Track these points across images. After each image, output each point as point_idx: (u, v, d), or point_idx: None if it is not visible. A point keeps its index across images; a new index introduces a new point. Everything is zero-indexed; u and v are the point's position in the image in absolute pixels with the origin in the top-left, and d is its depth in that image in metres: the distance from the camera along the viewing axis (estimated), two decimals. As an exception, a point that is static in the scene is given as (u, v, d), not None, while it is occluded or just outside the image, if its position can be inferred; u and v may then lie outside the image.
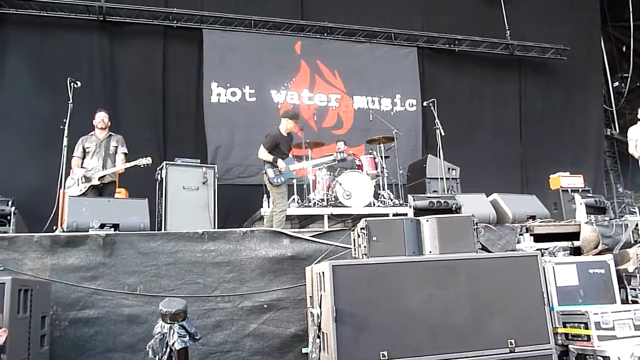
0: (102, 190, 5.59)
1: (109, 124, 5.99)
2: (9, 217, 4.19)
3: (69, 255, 3.89)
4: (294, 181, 7.09)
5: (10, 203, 4.26)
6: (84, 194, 5.34)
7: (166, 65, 8.91)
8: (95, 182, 5.48)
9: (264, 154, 6.02)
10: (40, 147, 7.02)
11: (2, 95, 7.96)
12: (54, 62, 8.13)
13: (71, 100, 4.99)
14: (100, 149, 5.77)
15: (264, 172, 6.04)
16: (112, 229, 4.18)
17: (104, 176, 5.58)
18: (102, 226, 4.17)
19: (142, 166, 5.58)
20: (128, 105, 8.51)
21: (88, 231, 4.08)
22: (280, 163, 5.96)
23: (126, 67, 8.72)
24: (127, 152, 5.89)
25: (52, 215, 4.69)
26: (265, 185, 6.16)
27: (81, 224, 4.20)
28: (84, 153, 5.75)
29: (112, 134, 5.97)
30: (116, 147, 5.86)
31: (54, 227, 4.43)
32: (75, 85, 5.11)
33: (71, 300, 3.80)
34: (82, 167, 5.63)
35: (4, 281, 2.85)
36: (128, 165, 5.64)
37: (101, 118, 5.88)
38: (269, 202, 6.59)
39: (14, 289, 2.86)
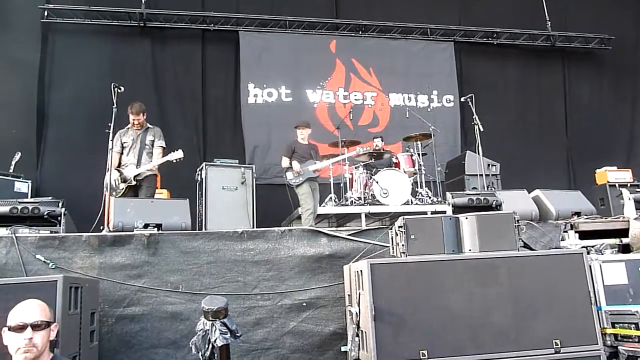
0: (139, 186, 5.57)
1: (145, 117, 5.87)
2: (59, 218, 4.36)
3: (115, 254, 4.03)
4: (331, 180, 7.11)
5: (60, 204, 4.44)
6: (123, 195, 5.40)
7: (204, 68, 9.13)
8: (132, 182, 5.49)
9: (284, 162, 6.68)
10: (88, 150, 7.30)
11: (51, 101, 8.36)
12: (99, 67, 8.47)
13: (115, 105, 5.15)
14: (136, 143, 5.70)
15: (284, 176, 6.61)
16: (156, 228, 4.31)
17: (139, 174, 5.56)
18: (146, 226, 4.29)
19: (174, 161, 5.56)
20: (169, 108, 8.77)
21: (133, 231, 4.22)
22: (295, 165, 6.51)
23: (166, 70, 8.99)
24: (164, 145, 5.80)
25: (99, 216, 4.86)
26: (290, 190, 6.63)
27: (126, 224, 4.34)
28: (122, 148, 5.69)
29: (150, 126, 5.89)
30: (152, 140, 5.78)
31: (101, 227, 4.60)
32: (119, 90, 5.24)
33: (118, 298, 3.94)
34: (119, 164, 5.60)
35: (56, 279, 2.98)
36: (160, 161, 5.61)
37: (136, 119, 5.72)
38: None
39: (65, 286, 2.99)
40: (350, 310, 3.59)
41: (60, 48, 8.63)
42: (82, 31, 8.72)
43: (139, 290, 3.98)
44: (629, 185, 7.33)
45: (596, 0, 11.03)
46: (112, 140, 5.20)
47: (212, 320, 3.10)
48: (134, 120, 5.69)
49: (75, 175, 7.47)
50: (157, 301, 3.99)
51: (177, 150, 5.60)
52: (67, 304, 2.99)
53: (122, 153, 5.67)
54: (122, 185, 5.49)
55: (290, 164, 6.54)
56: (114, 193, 5.33)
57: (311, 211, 6.26)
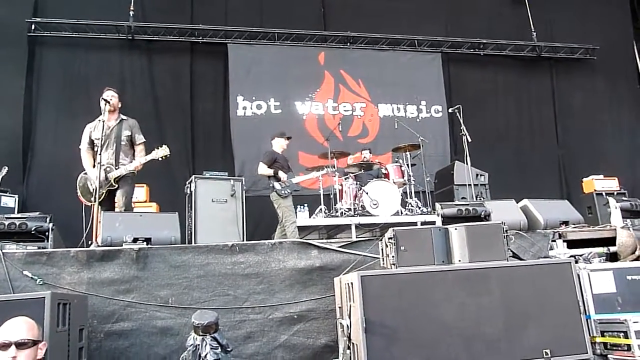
0: (118, 188, 5.00)
1: (119, 105, 5.25)
2: (47, 233, 4.32)
3: (104, 269, 3.98)
4: (321, 192, 7.13)
5: (48, 219, 4.39)
6: (101, 201, 4.87)
7: (193, 80, 9.15)
8: (112, 185, 4.96)
9: (264, 169, 6.50)
10: (75, 164, 7.25)
11: (38, 115, 8.30)
12: (87, 81, 8.46)
13: (104, 119, 5.09)
14: (110, 139, 5.06)
15: (271, 185, 6.43)
16: (145, 242, 4.27)
17: (119, 175, 4.98)
18: (135, 240, 4.25)
19: (159, 159, 5.03)
20: (158, 121, 8.73)
21: (122, 245, 4.18)
22: (282, 174, 6.42)
23: (155, 83, 9.00)
24: (145, 140, 5.23)
25: (87, 230, 4.81)
26: (273, 201, 6.47)
27: (115, 238, 4.29)
28: (92, 144, 5.07)
29: (124, 117, 5.24)
30: (129, 135, 5.16)
31: (89, 242, 4.55)
32: (107, 103, 5.16)
33: (107, 313, 3.89)
34: (94, 163, 4.97)
35: (44, 296, 2.94)
36: (144, 160, 5.04)
37: (109, 97, 5.05)
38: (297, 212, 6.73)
39: (53, 303, 2.95)
40: (341, 323, 3.58)
41: (47, 62, 8.61)
42: (70, 44, 8.70)
43: (128, 305, 3.93)
44: (615, 193, 7.46)
45: (581, 11, 11.26)
46: (100, 154, 4.82)
47: (202, 335, 3.10)
48: (110, 98, 5.06)
49: (62, 189, 7.39)
50: (146, 316, 3.94)
51: (162, 146, 5.05)
52: (55, 320, 2.94)
53: (93, 150, 5.03)
54: (102, 191, 4.90)
55: (276, 172, 6.45)
56: (90, 198, 4.86)
57: (296, 223, 6.28)
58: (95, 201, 4.71)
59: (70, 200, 5.52)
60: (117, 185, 5.03)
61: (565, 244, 4.73)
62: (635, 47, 11.85)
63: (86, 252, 4.01)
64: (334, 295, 4.12)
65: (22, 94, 8.17)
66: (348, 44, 9.93)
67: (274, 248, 4.33)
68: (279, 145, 6.83)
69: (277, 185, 6.38)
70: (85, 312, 3.68)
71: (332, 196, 7.50)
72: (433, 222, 6.05)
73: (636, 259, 4.47)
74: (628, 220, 5.61)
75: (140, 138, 5.24)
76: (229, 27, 9.28)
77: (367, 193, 6.78)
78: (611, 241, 4.80)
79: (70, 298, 3.29)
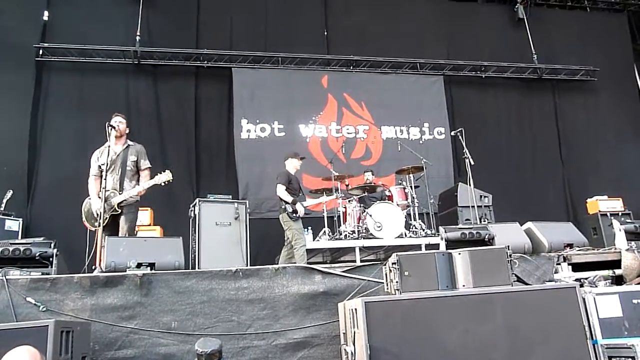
0: (120, 214, 5.00)
1: (127, 131, 5.30)
2: (51, 259, 4.33)
3: (107, 295, 3.98)
4: (324, 214, 7.14)
5: (52, 245, 4.40)
6: (105, 227, 4.80)
7: (198, 104, 9.25)
8: (115, 210, 4.95)
9: (283, 193, 6.39)
10: (80, 188, 7.30)
11: (44, 139, 8.39)
12: (93, 105, 8.55)
13: (110, 144, 5.13)
14: (116, 164, 5.08)
15: (282, 207, 6.36)
16: (149, 268, 4.27)
17: (123, 200, 4.98)
18: (139, 265, 4.26)
19: (163, 184, 5.03)
20: (162, 144, 8.81)
21: (125, 271, 4.18)
22: (299, 207, 6.34)
23: (160, 106, 9.09)
24: (150, 165, 5.24)
25: (90, 255, 4.82)
26: (282, 222, 6.44)
27: (119, 263, 4.30)
28: (100, 170, 5.07)
29: (131, 143, 5.28)
30: (135, 161, 5.18)
31: (93, 267, 4.55)
32: (113, 129, 5.20)
33: (109, 340, 3.87)
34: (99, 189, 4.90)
35: (47, 324, 2.93)
36: (147, 185, 5.03)
37: (116, 124, 5.11)
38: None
39: (57, 331, 2.95)
40: (345, 349, 3.55)
41: (54, 86, 8.73)
42: (76, 69, 8.84)
43: (131, 331, 3.92)
44: (620, 214, 7.43)
45: (582, 30, 11.40)
46: (105, 179, 4.88)
47: (205, 364, 3.07)
48: (118, 124, 5.12)
49: (66, 213, 7.42)
50: (149, 343, 3.92)
51: (164, 171, 5.07)
52: (58, 349, 2.93)
53: (101, 176, 4.99)
54: (106, 216, 4.85)
55: (294, 202, 6.38)
56: (95, 224, 4.88)
57: (305, 247, 6.24)
58: (99, 226, 4.71)
59: (74, 225, 5.54)
60: (120, 211, 5.02)
61: (570, 267, 4.71)
62: (635, 67, 11.95)
63: (90, 278, 4.01)
64: (338, 320, 4.09)
65: (28, 117, 8.27)
66: (351, 67, 10.04)
67: (277, 273, 4.32)
68: (292, 165, 6.79)
69: (289, 208, 6.31)
70: (88, 339, 3.67)
71: (335, 218, 7.49)
72: (437, 244, 6.03)
73: (642, 283, 4.43)
74: (633, 242, 5.57)
75: (145, 164, 5.26)
76: (233, 52, 9.41)
77: (370, 215, 6.78)
78: (616, 264, 4.78)
79: (73, 325, 3.29)
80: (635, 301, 3.94)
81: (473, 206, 6.84)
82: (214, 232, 6.07)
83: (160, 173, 5.07)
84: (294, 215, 6.27)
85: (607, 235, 7.10)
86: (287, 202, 6.32)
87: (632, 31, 12.15)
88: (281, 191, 6.43)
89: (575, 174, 10.53)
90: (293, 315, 4.21)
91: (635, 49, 12.21)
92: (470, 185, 6.72)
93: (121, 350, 3.86)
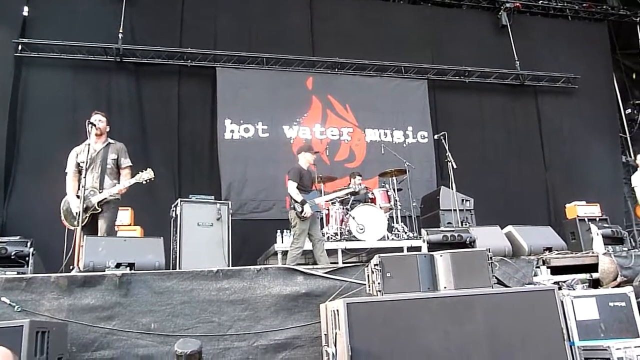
0: (99, 213, 4.93)
1: (107, 128, 5.24)
2: (27, 258, 4.25)
3: (85, 296, 3.90)
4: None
5: (29, 244, 4.32)
6: (84, 226, 4.77)
7: (181, 103, 9.14)
8: (95, 208, 4.87)
9: (294, 191, 6.15)
10: (58, 186, 7.18)
11: (23, 137, 8.21)
12: (74, 103, 8.40)
13: (90, 142, 5.05)
14: (95, 162, 5.01)
15: (292, 207, 6.15)
16: (128, 268, 4.21)
17: (103, 199, 4.90)
18: (118, 265, 4.20)
19: (144, 182, 4.99)
20: (144, 143, 8.69)
21: (104, 271, 4.11)
22: (307, 209, 6.06)
23: (143, 105, 8.96)
24: (131, 164, 5.17)
25: (68, 255, 4.73)
26: (290, 219, 6.25)
27: (98, 263, 4.23)
28: (78, 168, 4.99)
29: (111, 142, 5.21)
30: (116, 159, 5.11)
31: (71, 267, 4.47)
32: (93, 127, 5.12)
33: (87, 341, 3.80)
34: (78, 187, 4.89)
35: (22, 324, 2.88)
36: (128, 183, 4.98)
37: (97, 121, 5.04)
38: (283, 236, 6.70)
39: (32, 331, 2.89)
40: (326, 351, 3.54)
41: (33, 82, 8.54)
42: (57, 65, 8.66)
43: (109, 332, 3.85)
44: (597, 219, 7.57)
45: (564, 39, 11.61)
46: (85, 177, 4.78)
47: (185, 365, 3.03)
48: (98, 122, 5.06)
49: (45, 212, 7.28)
50: (127, 344, 3.85)
51: (146, 169, 5.03)
52: (32, 350, 2.88)
53: (80, 174, 4.93)
54: (85, 215, 4.81)
55: (303, 203, 6.12)
56: (74, 222, 4.78)
57: (302, 249, 6.12)
58: (78, 225, 4.63)
59: (53, 224, 5.44)
60: (100, 209, 4.95)
61: (548, 270, 4.78)
62: (614, 76, 12.22)
63: (67, 278, 3.93)
64: (320, 322, 4.08)
65: (6, 114, 8.07)
66: (336, 70, 10.05)
67: (259, 274, 4.30)
68: (305, 160, 6.52)
69: (297, 207, 6.10)
70: (64, 340, 3.60)
71: (318, 220, 7.48)
72: (419, 247, 6.07)
73: (618, 286, 4.52)
74: (609, 246, 5.69)
75: (126, 162, 5.19)
76: (217, 51, 9.34)
77: (353, 218, 6.79)
78: (593, 267, 4.87)
79: (49, 326, 3.22)
80: (611, 304, 4.03)
81: (455, 209, 6.89)
82: (195, 233, 6.01)
83: (142, 171, 5.01)
84: (302, 216, 6.07)
85: (585, 240, 7.21)
86: (296, 202, 6.11)
87: (612, 41, 12.43)
88: (292, 189, 6.18)
89: (558, 179, 10.69)
90: (274, 316, 4.19)
91: (615, 58, 12.49)
92: (452, 188, 6.78)
93: (99, 351, 3.79)
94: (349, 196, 7.16)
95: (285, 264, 5.87)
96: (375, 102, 10.13)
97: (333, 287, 4.33)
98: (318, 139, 9.59)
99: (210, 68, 9.35)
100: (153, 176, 5.02)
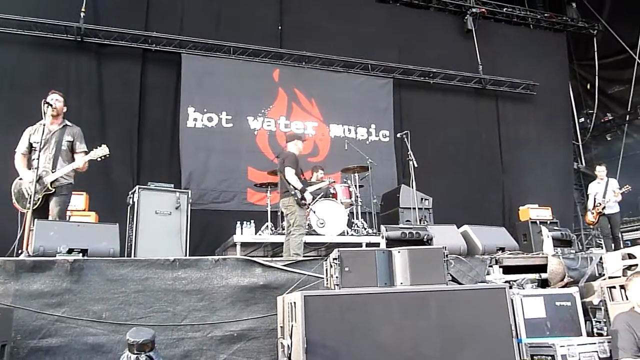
0: (53, 195, 4.72)
1: (64, 109, 5.02)
2: (-28, 241, 4.05)
3: (33, 281, 3.76)
4: (268, 208, 7.11)
5: (-26, 226, 4.12)
6: (37, 208, 4.56)
7: (144, 88, 8.91)
8: (49, 188, 4.66)
9: (293, 178, 6.03)
10: (11, 169, 6.87)
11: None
12: (30, 81, 8.02)
13: (46, 122, 4.84)
14: (50, 143, 4.81)
15: (292, 193, 5.98)
16: (80, 254, 4.08)
17: (56, 179, 4.72)
18: (70, 251, 4.06)
19: (98, 159, 4.82)
20: (103, 127, 8.42)
21: (55, 256, 3.97)
22: (308, 195, 6.03)
23: (104, 87, 8.69)
24: (87, 150, 4.95)
25: (17, 238, 4.53)
26: (284, 207, 6.13)
27: (48, 248, 4.07)
28: (31, 148, 4.79)
29: (69, 124, 5.01)
30: (71, 142, 4.93)
31: (19, 251, 4.29)
32: (49, 107, 4.91)
33: (33, 328, 3.66)
34: (29, 168, 4.70)
35: (-36, 308, 2.75)
36: (81, 162, 4.78)
37: (53, 101, 4.83)
38: (243, 228, 6.65)
39: (-26, 316, 2.76)
40: (282, 343, 3.55)
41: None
42: (14, 42, 8.27)
43: (57, 320, 3.72)
44: (548, 222, 7.87)
45: (524, 47, 11.99)
46: (38, 159, 4.58)
47: (137, 354, 2.98)
48: (55, 102, 4.85)
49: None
50: (77, 332, 3.74)
51: (100, 145, 4.84)
52: (-26, 335, 2.75)
53: (30, 154, 4.76)
54: (38, 196, 4.58)
55: (303, 190, 6.03)
56: (27, 205, 4.49)
57: (304, 237, 6.02)
58: (29, 208, 4.44)
59: (3, 207, 5.19)
60: (54, 190, 4.74)
61: (501, 269, 4.94)
62: (570, 85, 12.73)
63: (15, 262, 3.77)
64: (276, 314, 4.08)
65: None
66: (303, 63, 10.03)
67: (217, 264, 4.25)
68: (296, 148, 6.42)
69: (298, 194, 5.96)
70: (9, 326, 3.45)
71: (279, 213, 7.46)
72: (378, 244, 6.15)
73: (564, 286, 4.72)
74: (558, 248, 5.93)
75: (82, 147, 4.99)
76: (183, 37, 9.15)
77: (314, 212, 6.80)
78: (543, 268, 5.07)
79: (-7, 311, 3.09)
80: (557, 303, 4.22)
81: (414, 208, 7.03)
82: (153, 221, 5.89)
83: (96, 148, 4.84)
84: (303, 202, 5.98)
85: (535, 242, 7.48)
86: (296, 189, 5.97)
87: (570, 51, 12.92)
88: (291, 175, 6.02)
89: (513, 181, 11.04)
90: (231, 307, 4.16)
91: (572, 68, 13.00)
92: (412, 187, 6.90)
93: (45, 339, 3.66)
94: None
95: (245, 255, 5.83)
96: (341, 98, 10.18)
97: (291, 280, 4.34)
98: (282, 131, 9.54)
99: (175, 54, 9.15)
100: (108, 152, 4.84)
